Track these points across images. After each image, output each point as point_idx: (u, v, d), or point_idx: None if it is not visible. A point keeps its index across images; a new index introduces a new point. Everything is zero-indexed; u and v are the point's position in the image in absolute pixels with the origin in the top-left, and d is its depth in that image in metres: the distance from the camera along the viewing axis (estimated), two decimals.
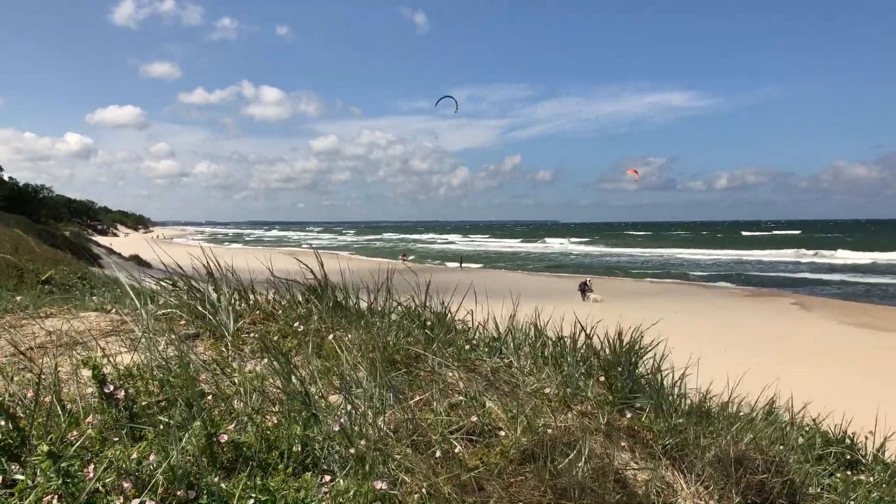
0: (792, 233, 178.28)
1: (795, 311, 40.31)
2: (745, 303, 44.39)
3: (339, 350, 3.90)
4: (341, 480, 2.66)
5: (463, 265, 77.48)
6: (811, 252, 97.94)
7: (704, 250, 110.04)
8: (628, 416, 4.12)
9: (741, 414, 4.97)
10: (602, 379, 4.44)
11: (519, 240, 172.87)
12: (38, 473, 2.26)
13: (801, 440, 4.84)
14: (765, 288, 55.99)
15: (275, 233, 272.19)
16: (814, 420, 5.35)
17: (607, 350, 4.79)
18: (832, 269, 74.63)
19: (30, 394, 2.87)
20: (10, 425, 2.53)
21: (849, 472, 4.73)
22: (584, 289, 45.54)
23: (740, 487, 3.67)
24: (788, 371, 18.82)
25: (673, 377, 4.84)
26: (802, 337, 30.70)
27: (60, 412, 2.82)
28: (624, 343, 4.83)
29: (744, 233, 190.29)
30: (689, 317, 35.28)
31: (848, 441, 5.20)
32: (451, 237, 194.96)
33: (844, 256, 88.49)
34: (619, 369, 4.52)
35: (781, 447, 4.32)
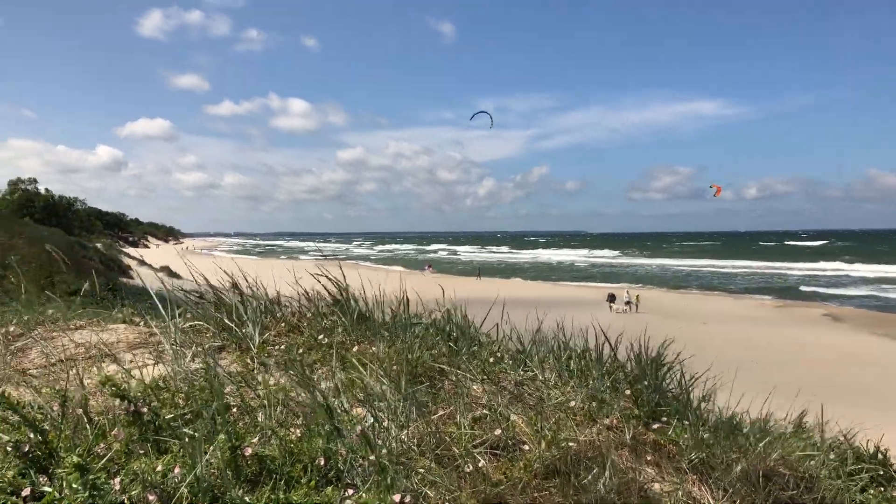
0: (823, 243, 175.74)
1: (827, 323, 39.72)
2: (775, 314, 43.82)
3: (362, 363, 3.91)
4: (364, 494, 2.66)
5: (480, 276, 77.25)
6: (842, 263, 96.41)
7: (733, 261, 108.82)
8: (654, 429, 4.08)
9: (770, 428, 4.90)
10: (628, 392, 4.40)
11: (541, 250, 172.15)
12: (66, 486, 2.29)
13: (832, 456, 4.74)
14: (795, 299, 55.21)
15: (293, 243, 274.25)
16: (844, 435, 5.25)
17: (633, 362, 4.75)
18: (864, 280, 73.40)
19: (57, 406, 2.91)
20: (39, 438, 2.57)
21: (882, 489, 4.63)
22: (613, 299, 45.29)
23: None
24: (819, 383, 18.53)
25: (701, 390, 4.78)
26: (833, 348, 30.22)
27: (88, 425, 2.85)
28: (650, 355, 4.79)
29: (773, 243, 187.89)
30: (718, 328, 34.92)
31: (881, 457, 5.09)
32: (471, 248, 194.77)
33: (877, 268, 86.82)
34: (646, 382, 4.48)
35: (812, 463, 4.24)
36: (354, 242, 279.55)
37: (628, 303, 44.50)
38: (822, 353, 28.71)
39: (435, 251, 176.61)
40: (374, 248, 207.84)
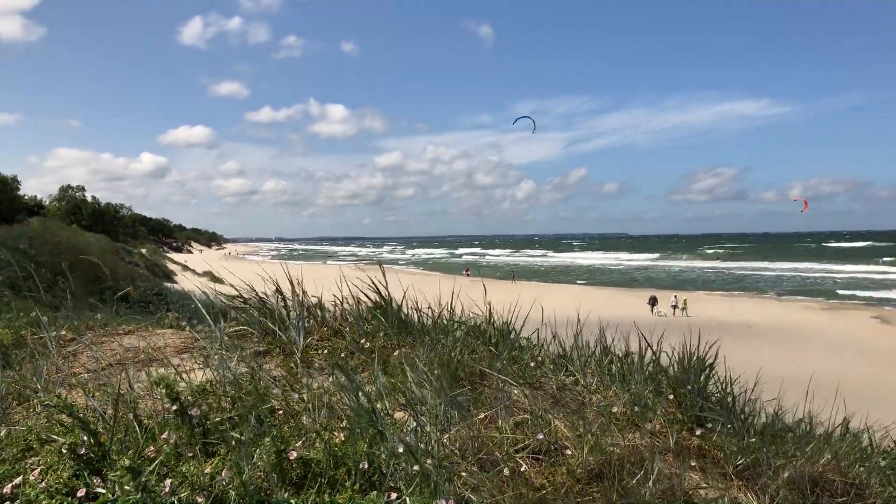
0: (871, 244, 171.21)
1: (876, 326, 38.75)
2: (822, 316, 42.86)
3: (404, 367, 3.94)
4: (408, 498, 2.68)
5: (515, 280, 76.74)
6: (892, 264, 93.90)
7: (777, 263, 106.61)
8: (699, 434, 4.03)
9: (818, 433, 4.80)
10: (671, 397, 4.36)
11: (577, 252, 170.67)
12: (118, 487, 2.34)
13: (882, 462, 4.64)
14: (842, 301, 53.98)
15: (328, 248, 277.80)
16: (895, 441, 5.12)
17: (676, 367, 4.71)
18: None
19: (109, 410, 2.98)
20: (92, 440, 2.64)
21: None
22: (655, 302, 44.67)
23: None
24: (869, 387, 18.08)
25: (745, 394, 4.71)
26: (884, 352, 29.46)
27: (138, 428, 2.92)
28: (693, 359, 4.74)
29: (820, 244, 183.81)
30: (763, 331, 34.31)
31: None
32: (504, 251, 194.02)
33: None
34: (689, 387, 4.43)
35: (862, 469, 4.15)
36: (386, 247, 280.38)
37: (675, 306, 43.69)
38: (873, 356, 28.02)
39: (463, 255, 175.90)
40: (406, 252, 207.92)
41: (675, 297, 45.84)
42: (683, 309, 43.23)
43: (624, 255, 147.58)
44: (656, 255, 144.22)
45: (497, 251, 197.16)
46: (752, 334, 32.25)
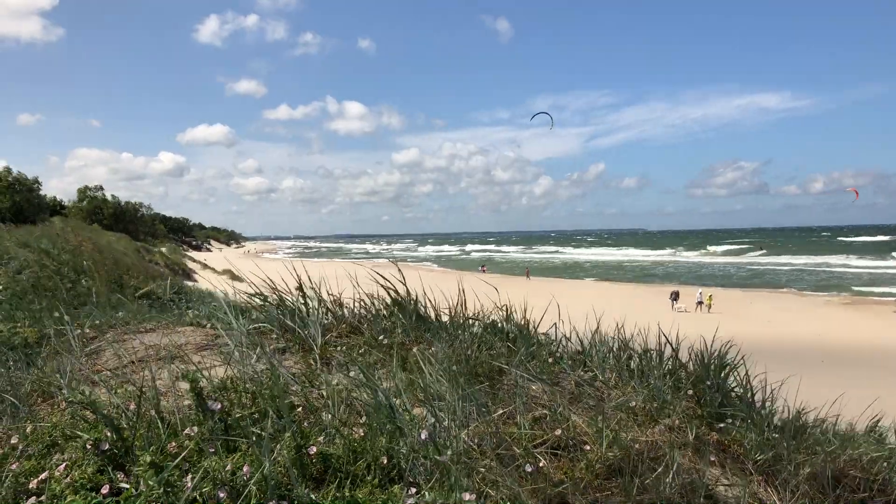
0: (892, 238, 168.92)
1: None
2: (843, 311, 42.45)
3: (422, 363, 3.95)
4: (427, 493, 2.69)
5: (530, 276, 76.54)
6: None
7: (799, 257, 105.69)
8: (718, 429, 4.02)
9: (839, 429, 4.77)
10: (690, 392, 4.35)
11: (595, 248, 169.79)
12: (142, 483, 2.38)
13: None
14: (864, 296, 53.41)
15: (342, 245, 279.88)
16: None
17: (696, 362, 4.69)
18: None
19: (132, 406, 3.02)
20: (115, 436, 2.67)
21: None
22: (676, 297, 44.30)
23: None
24: (890, 384, 17.88)
25: (766, 390, 4.69)
26: None
27: (160, 424, 2.96)
28: (713, 355, 4.72)
29: (841, 238, 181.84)
30: (783, 327, 34.03)
31: None
32: (520, 248, 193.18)
33: None
34: (709, 382, 4.42)
35: (885, 465, 4.12)
36: (400, 244, 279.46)
37: (700, 302, 43.20)
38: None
39: (472, 251, 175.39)
40: (419, 249, 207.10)
41: (700, 293, 45.26)
42: (709, 306, 42.78)
43: (639, 251, 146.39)
44: (672, 251, 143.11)
45: (510, 247, 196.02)
46: (771, 330, 31.99)
